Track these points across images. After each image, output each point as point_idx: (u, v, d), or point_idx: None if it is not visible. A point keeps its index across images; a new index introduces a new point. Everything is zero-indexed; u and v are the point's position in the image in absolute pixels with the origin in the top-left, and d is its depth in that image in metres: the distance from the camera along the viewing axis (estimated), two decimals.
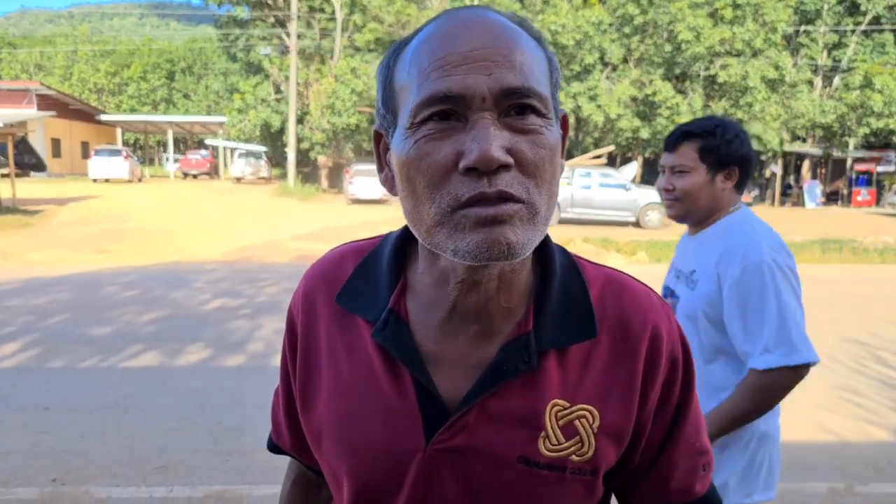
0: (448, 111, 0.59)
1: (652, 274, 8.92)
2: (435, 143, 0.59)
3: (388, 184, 0.68)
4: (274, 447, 0.88)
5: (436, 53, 0.60)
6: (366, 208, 19.63)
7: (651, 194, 16.73)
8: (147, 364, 5.00)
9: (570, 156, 34.08)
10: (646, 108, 24.18)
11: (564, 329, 0.68)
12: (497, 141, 0.57)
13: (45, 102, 31.04)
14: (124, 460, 3.39)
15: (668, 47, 23.19)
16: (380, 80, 0.67)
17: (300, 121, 26.73)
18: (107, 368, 4.88)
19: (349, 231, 13.99)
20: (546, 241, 0.71)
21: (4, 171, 17.15)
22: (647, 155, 29.95)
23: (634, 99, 23.76)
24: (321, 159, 28.35)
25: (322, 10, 29.36)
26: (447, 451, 0.66)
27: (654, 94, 23.23)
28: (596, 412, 0.67)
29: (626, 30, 23.98)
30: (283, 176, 28.48)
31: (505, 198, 0.58)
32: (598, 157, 20.34)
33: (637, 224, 16.62)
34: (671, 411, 0.72)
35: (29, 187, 20.55)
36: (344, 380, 0.72)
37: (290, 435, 0.83)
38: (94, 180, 26.03)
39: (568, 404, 0.67)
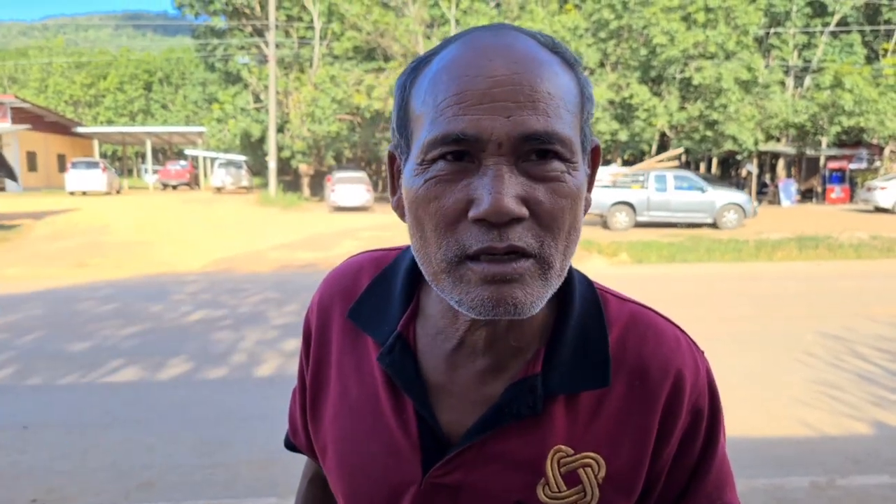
0: (461, 152, 0.55)
1: (633, 276, 9.00)
2: (445, 186, 0.56)
3: (400, 210, 0.64)
4: (290, 445, 0.88)
5: (452, 88, 0.55)
6: (348, 216, 19.60)
7: (729, 195, 16.71)
8: (128, 379, 4.94)
9: None
10: (623, 111, 24.45)
11: (576, 374, 0.64)
12: (511, 191, 0.53)
13: (20, 116, 30.64)
14: (107, 478, 3.34)
15: (643, 51, 23.47)
16: (396, 100, 0.63)
17: (280, 129, 26.63)
18: (87, 384, 4.81)
19: (332, 238, 13.96)
20: (569, 275, 0.67)
21: None
22: (626, 157, 30.30)
23: (612, 102, 24.00)
24: (302, 167, 28.25)
25: (300, 19, 29.30)
26: (442, 487, 0.64)
27: (632, 97, 23.48)
28: (602, 461, 0.64)
29: (602, 34, 24.23)
30: (265, 185, 28.33)
31: (515, 252, 0.55)
32: (672, 158, 20.30)
33: (714, 225, 16.43)
34: (692, 463, 0.68)
35: (4, 201, 20.22)
36: (350, 399, 0.71)
37: (305, 435, 0.82)
38: (72, 193, 25.73)
39: (572, 451, 0.64)
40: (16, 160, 28.90)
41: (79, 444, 3.76)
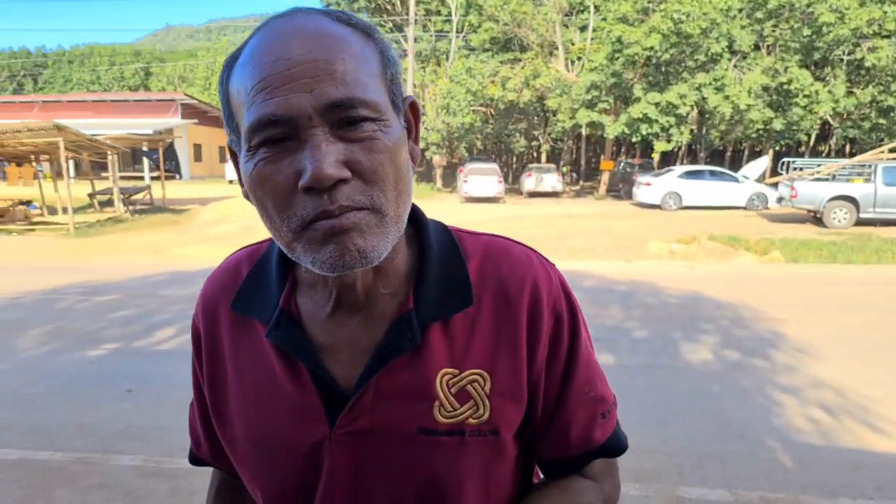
0: (279, 135, 0.59)
1: (786, 276, 8.28)
2: (273, 166, 0.60)
3: (247, 198, 0.67)
4: (194, 459, 0.90)
5: (257, 75, 0.59)
6: (479, 206, 19.78)
7: None
8: None
9: (692, 151, 32.47)
10: (780, 98, 22.52)
11: (444, 303, 0.70)
12: (330, 157, 0.58)
13: (188, 111, 33.90)
14: None
15: (806, 31, 21.45)
16: (221, 97, 0.67)
17: None
18: None
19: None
20: (422, 223, 0.74)
21: (155, 174, 18.91)
22: (778, 148, 27.93)
23: (766, 88, 22.19)
24: (436, 159, 28.88)
25: (438, 13, 29.88)
26: (352, 435, 0.69)
27: (790, 82, 21.57)
28: (487, 375, 0.70)
29: (759, 14, 22.43)
30: None
31: (349, 208, 0.59)
32: None
33: None
34: (562, 364, 0.73)
35: (175, 188, 22.53)
36: (248, 385, 0.74)
37: (209, 445, 0.85)
38: (230, 182, 28.12)
39: (457, 371, 0.69)
40: (184, 151, 32.05)
41: None
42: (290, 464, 0.71)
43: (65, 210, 15.74)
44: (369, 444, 0.69)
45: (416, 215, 0.75)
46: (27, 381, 4.61)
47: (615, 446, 0.80)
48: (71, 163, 14.68)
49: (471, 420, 0.69)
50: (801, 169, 16.88)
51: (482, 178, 21.56)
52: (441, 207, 19.29)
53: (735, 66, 22.83)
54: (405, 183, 0.64)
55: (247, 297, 0.75)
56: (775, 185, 17.54)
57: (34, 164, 18.64)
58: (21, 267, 9.81)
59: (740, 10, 22.43)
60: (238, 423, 0.75)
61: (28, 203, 16.73)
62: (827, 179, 14.90)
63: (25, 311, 6.73)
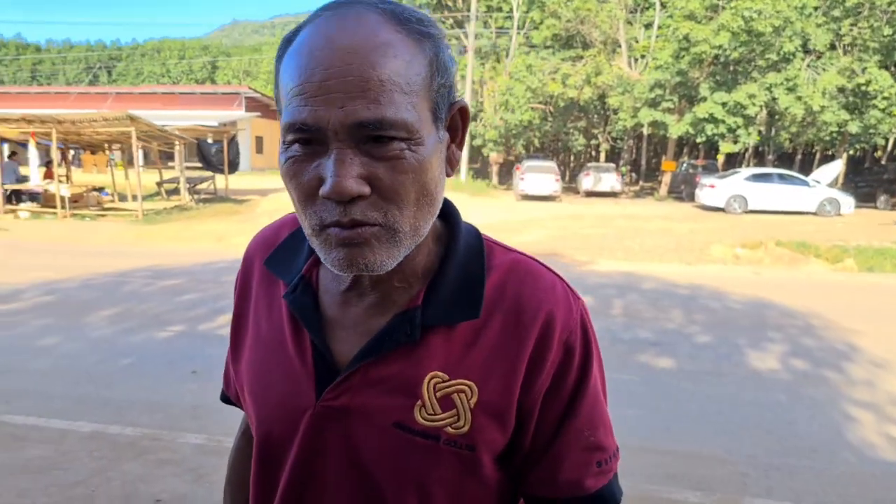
0: (309, 139, 0.61)
1: (859, 286, 7.91)
2: (301, 166, 0.62)
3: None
4: (224, 398, 0.94)
5: (297, 78, 0.60)
6: (536, 204, 19.62)
7: None
8: None
9: (759, 154, 31.31)
10: (856, 100, 21.45)
11: (451, 308, 0.70)
12: (351, 172, 0.59)
13: (252, 104, 34.85)
14: None
15: (887, 30, 20.37)
16: (275, 72, 0.68)
17: (474, 118, 27.34)
18: None
19: (517, 226, 14.06)
20: (454, 223, 0.74)
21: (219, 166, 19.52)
22: (852, 152, 26.64)
23: (842, 89, 21.18)
24: (492, 156, 28.80)
25: (499, 10, 29.76)
26: (332, 410, 0.70)
27: (868, 83, 20.51)
28: (475, 387, 0.69)
29: (836, 13, 21.42)
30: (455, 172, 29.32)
31: (361, 224, 0.61)
32: None
33: None
34: (564, 400, 0.71)
35: (237, 180, 23.20)
36: (261, 337, 0.78)
37: (235, 386, 0.87)
38: None
39: (447, 377, 0.69)
40: (246, 144, 32.97)
41: None
42: (275, 421, 0.74)
43: (134, 197, 16.42)
44: (345, 422, 0.70)
45: (449, 213, 0.75)
46: (100, 358, 4.82)
47: (607, 498, 0.75)
48: (140, 152, 15.29)
49: (449, 428, 0.68)
50: None
51: (539, 176, 21.39)
52: (496, 205, 19.22)
53: (809, 65, 21.87)
54: (430, 197, 0.65)
55: (279, 258, 0.79)
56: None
57: (107, 152, 19.51)
58: (93, 250, 10.28)
59: (816, 8, 21.48)
60: (246, 368, 0.80)
61: (101, 190, 17.51)
62: None
63: (97, 292, 7.04)
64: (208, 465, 3.20)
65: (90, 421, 3.69)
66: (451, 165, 0.69)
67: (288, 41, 0.65)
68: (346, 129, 0.59)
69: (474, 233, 0.76)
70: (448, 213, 0.75)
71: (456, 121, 0.69)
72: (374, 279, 0.70)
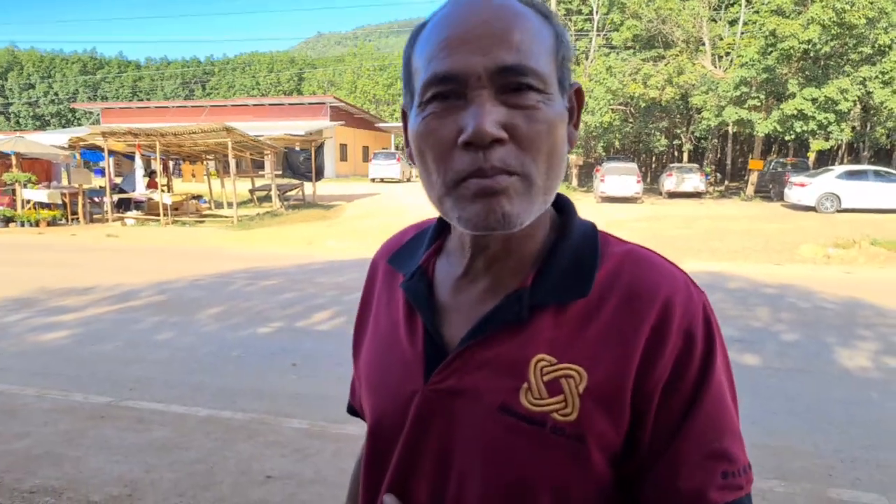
0: (448, 92, 0.63)
1: None
2: (439, 121, 0.63)
3: (410, 158, 0.71)
4: (350, 409, 0.95)
5: (440, 36, 0.64)
6: (616, 206, 19.33)
7: None
8: None
9: (853, 150, 29.39)
10: None
11: (561, 288, 0.68)
12: (491, 116, 0.61)
13: (336, 113, 35.97)
14: None
15: None
16: (403, 63, 0.72)
17: None
18: None
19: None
20: (569, 215, 0.75)
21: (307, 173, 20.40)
22: None
23: None
24: (572, 158, 28.51)
25: (579, 12, 29.50)
26: (440, 392, 0.69)
27: None
28: (584, 373, 0.65)
29: None
30: None
31: (500, 171, 0.62)
32: None
33: None
34: (685, 395, 0.65)
35: (323, 186, 24.14)
36: (380, 330, 0.80)
37: (359, 393, 0.88)
38: (373, 180, 29.56)
39: (555, 360, 0.66)
40: (331, 151, 34.11)
41: None
42: (387, 406, 0.75)
43: (229, 204, 17.45)
44: (452, 405, 0.69)
45: (564, 204, 0.76)
46: (210, 350, 5.30)
47: None
48: (232, 161, 16.24)
49: (556, 415, 0.65)
50: None
51: (620, 178, 21.06)
52: (576, 206, 19.04)
53: None
54: (558, 158, 0.66)
55: (401, 255, 0.82)
56: None
57: (204, 162, 20.79)
58: (195, 254, 11.08)
59: None
60: (364, 360, 0.82)
61: (199, 198, 18.73)
62: None
63: (204, 291, 7.65)
64: (312, 448, 3.50)
65: (205, 406, 4.08)
66: (571, 143, 0.69)
67: (420, 28, 0.70)
68: (488, 75, 0.61)
69: (590, 225, 0.76)
70: (564, 204, 0.76)
71: (573, 101, 0.71)
72: (488, 262, 0.72)
